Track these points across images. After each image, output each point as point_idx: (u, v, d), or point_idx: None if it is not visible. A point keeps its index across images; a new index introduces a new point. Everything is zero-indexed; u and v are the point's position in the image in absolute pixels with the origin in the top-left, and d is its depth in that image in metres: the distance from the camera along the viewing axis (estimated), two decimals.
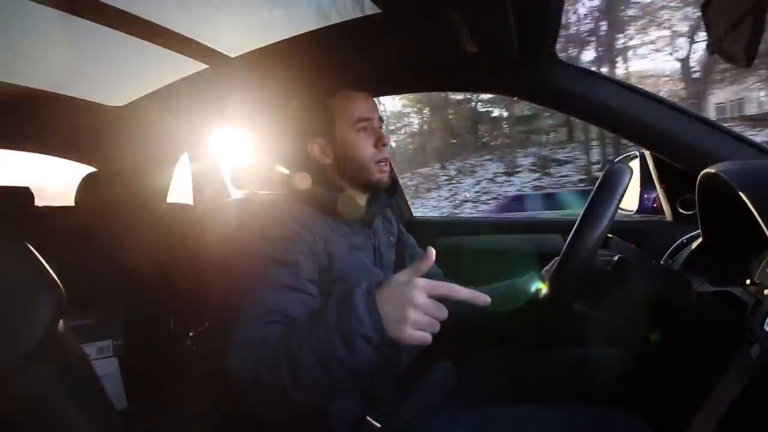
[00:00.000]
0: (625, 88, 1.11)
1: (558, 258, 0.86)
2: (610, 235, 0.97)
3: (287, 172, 0.99)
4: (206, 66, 1.46)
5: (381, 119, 0.92)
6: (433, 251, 0.62)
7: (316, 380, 0.62)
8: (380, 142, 0.89)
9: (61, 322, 0.33)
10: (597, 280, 0.88)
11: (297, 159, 0.93)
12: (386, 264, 0.95)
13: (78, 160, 2.10)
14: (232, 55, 1.42)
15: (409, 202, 1.77)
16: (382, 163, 0.89)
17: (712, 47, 0.58)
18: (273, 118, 1.02)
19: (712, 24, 0.58)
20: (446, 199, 17.80)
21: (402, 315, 0.59)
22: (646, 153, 1.18)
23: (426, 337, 0.60)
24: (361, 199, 0.91)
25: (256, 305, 0.72)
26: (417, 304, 0.59)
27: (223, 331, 0.91)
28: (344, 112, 0.88)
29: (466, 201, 16.45)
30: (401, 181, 1.70)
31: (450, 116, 21.84)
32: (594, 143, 15.77)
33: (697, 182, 0.77)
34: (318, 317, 0.64)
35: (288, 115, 0.98)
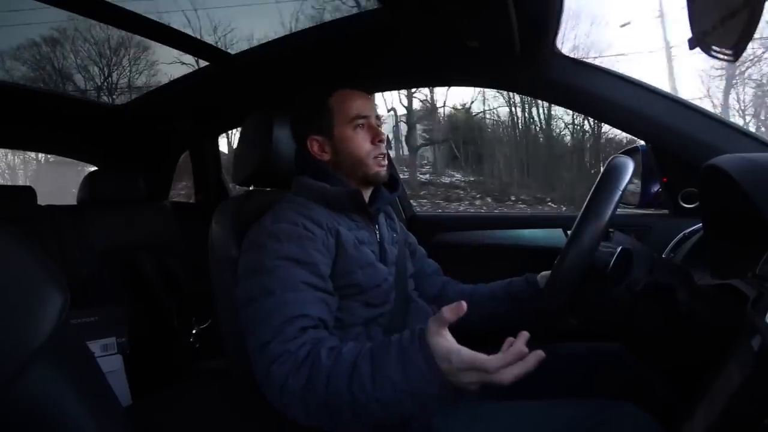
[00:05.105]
0: (628, 81, 1.11)
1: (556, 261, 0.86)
2: (612, 229, 0.97)
3: (288, 168, 0.99)
4: (207, 63, 1.46)
5: (378, 117, 0.95)
6: (464, 305, 0.61)
7: (377, 419, 0.66)
8: (377, 138, 0.92)
9: (65, 320, 0.33)
10: (599, 273, 0.87)
11: (296, 155, 0.96)
12: (390, 259, 0.96)
13: (80, 159, 2.11)
14: (233, 53, 1.42)
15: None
16: (380, 158, 0.92)
17: (695, 41, 0.57)
18: (272, 114, 1.02)
19: (698, 16, 0.57)
20: None
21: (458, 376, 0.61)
22: (648, 146, 1.17)
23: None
24: (365, 195, 0.93)
25: (283, 307, 0.73)
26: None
27: (226, 328, 0.92)
28: (342, 109, 0.91)
29: None
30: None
31: None
32: None
33: (700, 175, 0.77)
34: (380, 372, 0.64)
35: (288, 111, 0.99)
